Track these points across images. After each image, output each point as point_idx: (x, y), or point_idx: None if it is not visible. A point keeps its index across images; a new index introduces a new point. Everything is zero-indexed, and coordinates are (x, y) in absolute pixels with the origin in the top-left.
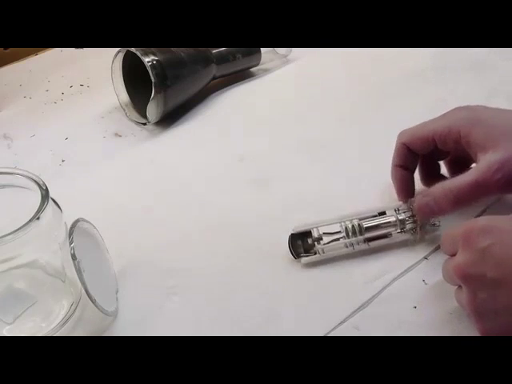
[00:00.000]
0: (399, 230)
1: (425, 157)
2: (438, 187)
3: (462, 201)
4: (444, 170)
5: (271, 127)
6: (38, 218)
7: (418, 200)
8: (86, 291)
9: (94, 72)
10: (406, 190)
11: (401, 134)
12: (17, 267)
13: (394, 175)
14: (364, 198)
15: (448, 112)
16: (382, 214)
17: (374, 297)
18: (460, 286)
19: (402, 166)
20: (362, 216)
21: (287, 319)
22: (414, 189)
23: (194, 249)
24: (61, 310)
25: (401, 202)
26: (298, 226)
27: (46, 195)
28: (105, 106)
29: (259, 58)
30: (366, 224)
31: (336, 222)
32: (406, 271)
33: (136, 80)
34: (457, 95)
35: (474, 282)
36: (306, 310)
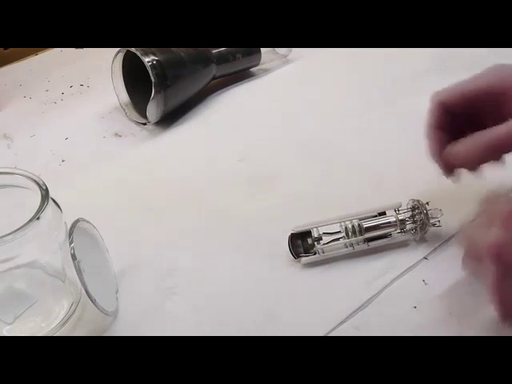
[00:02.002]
0: (399, 231)
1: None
2: (469, 137)
3: (492, 149)
4: None
5: (271, 127)
6: (37, 218)
7: (447, 149)
8: (86, 291)
9: (94, 72)
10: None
11: (437, 93)
12: (17, 267)
13: (431, 137)
14: (364, 198)
15: (489, 69)
16: (382, 214)
17: (373, 297)
18: (480, 261)
19: (439, 127)
20: (362, 216)
21: (287, 319)
22: None
23: (194, 249)
24: (61, 310)
25: (400, 202)
26: (298, 225)
27: (45, 195)
28: (105, 106)
29: (259, 58)
30: (365, 224)
31: (336, 222)
32: (406, 271)
33: (136, 80)
34: None
35: (506, 265)
36: (306, 310)
